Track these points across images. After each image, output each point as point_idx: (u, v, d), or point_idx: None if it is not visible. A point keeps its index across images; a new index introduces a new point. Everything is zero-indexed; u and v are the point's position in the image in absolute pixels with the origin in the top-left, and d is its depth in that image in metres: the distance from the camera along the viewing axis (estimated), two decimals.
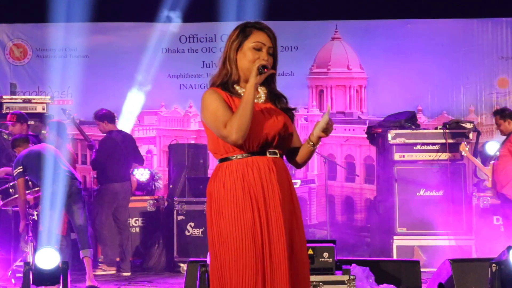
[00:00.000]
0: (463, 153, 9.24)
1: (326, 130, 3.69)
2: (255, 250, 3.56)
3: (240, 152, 3.67)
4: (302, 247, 3.70)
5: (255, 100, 3.70)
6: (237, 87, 3.75)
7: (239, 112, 3.59)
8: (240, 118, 3.58)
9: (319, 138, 3.74)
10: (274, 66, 3.77)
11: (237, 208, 3.60)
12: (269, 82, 3.80)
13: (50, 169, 7.84)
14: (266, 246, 3.58)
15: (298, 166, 3.87)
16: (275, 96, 3.82)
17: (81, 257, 7.98)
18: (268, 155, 3.69)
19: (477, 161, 9.21)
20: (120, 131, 9.67)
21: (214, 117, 3.65)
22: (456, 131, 9.60)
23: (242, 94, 3.68)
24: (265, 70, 3.65)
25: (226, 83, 3.75)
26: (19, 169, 7.94)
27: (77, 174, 8.27)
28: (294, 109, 3.88)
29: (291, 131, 3.79)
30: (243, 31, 3.75)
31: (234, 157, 3.67)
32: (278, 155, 3.72)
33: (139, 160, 9.79)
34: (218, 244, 3.62)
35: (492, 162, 9.07)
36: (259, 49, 3.73)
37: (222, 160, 3.71)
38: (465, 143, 9.30)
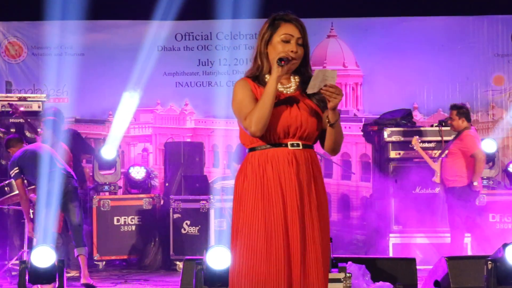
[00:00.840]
0: (414, 147, 9.23)
1: (329, 96, 3.66)
2: (268, 244, 3.60)
3: (263, 143, 3.71)
4: (318, 243, 3.66)
5: (284, 91, 3.75)
6: (267, 76, 3.75)
7: (259, 105, 3.63)
8: (259, 111, 3.62)
9: (332, 111, 3.71)
10: (305, 56, 3.77)
11: (255, 203, 3.65)
12: (302, 71, 3.79)
13: (46, 168, 7.82)
14: (280, 240, 3.60)
15: (330, 152, 3.83)
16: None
17: (75, 255, 7.97)
18: (289, 147, 3.70)
19: (427, 157, 9.17)
20: (68, 130, 9.48)
21: (239, 108, 3.71)
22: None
23: None
24: (282, 62, 3.65)
25: (257, 77, 3.78)
26: (15, 170, 7.92)
27: (73, 172, 8.26)
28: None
29: (319, 120, 3.77)
30: (272, 25, 3.78)
31: (258, 148, 3.72)
32: (300, 147, 3.71)
33: (89, 151, 9.60)
34: (235, 234, 3.70)
35: (440, 158, 9.04)
36: (287, 41, 3.73)
37: (249, 150, 3.76)
38: (417, 137, 9.32)
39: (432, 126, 9.76)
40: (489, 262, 5.92)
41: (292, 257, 3.61)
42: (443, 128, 9.53)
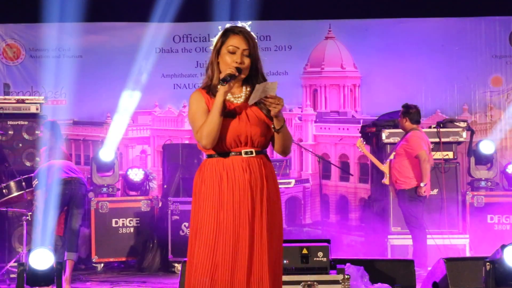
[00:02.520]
0: (360, 149, 9.22)
1: (269, 105, 3.85)
2: (222, 245, 3.87)
3: (219, 151, 3.93)
4: (265, 246, 3.87)
5: (234, 100, 3.96)
6: (219, 87, 3.93)
7: (208, 120, 3.86)
8: (207, 126, 3.85)
9: (276, 118, 3.90)
10: (253, 66, 3.97)
11: (212, 208, 3.89)
12: (253, 81, 3.97)
13: (60, 176, 7.99)
14: (230, 247, 3.86)
15: (281, 154, 4.07)
16: None
17: (64, 258, 8.01)
18: (243, 155, 3.92)
19: (374, 158, 9.16)
20: None
21: (192, 121, 3.97)
22: (450, 130, 9.62)
23: None
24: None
25: (210, 86, 4.00)
26: (35, 181, 8.17)
27: (85, 180, 8.38)
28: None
29: (267, 128, 3.96)
30: (223, 36, 3.99)
31: (215, 155, 3.95)
32: (254, 154, 3.92)
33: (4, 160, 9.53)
34: (191, 233, 3.98)
35: (388, 159, 9.02)
36: (233, 52, 3.94)
37: (207, 157, 3.99)
38: (361, 139, 9.32)
39: (430, 127, 9.76)
40: (488, 263, 5.92)
41: (240, 262, 3.84)
42: (441, 130, 9.54)
